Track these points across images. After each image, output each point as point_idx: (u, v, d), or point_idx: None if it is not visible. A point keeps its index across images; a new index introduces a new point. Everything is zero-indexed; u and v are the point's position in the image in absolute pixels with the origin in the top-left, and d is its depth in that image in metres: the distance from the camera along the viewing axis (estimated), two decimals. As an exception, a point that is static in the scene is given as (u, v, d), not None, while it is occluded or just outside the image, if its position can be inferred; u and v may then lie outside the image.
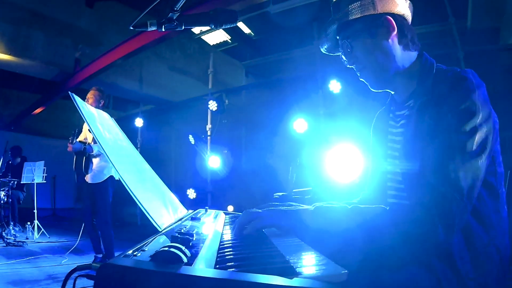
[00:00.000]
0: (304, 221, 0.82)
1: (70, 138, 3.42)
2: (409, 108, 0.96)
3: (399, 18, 0.96)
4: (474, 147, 0.77)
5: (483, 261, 0.81)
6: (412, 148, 0.88)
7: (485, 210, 0.83)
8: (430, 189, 0.77)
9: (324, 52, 1.10)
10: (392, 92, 1.04)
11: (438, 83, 0.87)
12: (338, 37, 1.02)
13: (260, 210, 0.88)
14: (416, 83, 0.94)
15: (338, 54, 1.08)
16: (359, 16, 0.93)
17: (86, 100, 3.53)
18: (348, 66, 1.03)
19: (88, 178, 3.51)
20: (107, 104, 3.70)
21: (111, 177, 3.53)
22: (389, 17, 0.93)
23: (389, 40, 0.94)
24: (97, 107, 3.53)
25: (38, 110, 7.66)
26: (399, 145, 0.97)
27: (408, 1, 0.98)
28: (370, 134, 1.18)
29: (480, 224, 0.83)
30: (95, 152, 3.41)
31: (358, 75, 1.02)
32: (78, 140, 3.44)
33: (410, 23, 0.99)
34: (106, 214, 3.47)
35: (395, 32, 0.94)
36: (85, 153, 3.46)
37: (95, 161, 3.49)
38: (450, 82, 0.83)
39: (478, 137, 0.78)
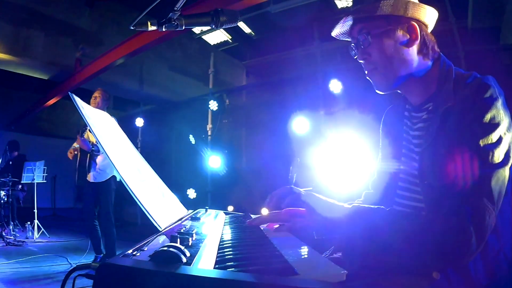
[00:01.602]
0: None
1: (80, 131, 3.41)
2: (428, 111, 0.93)
3: (424, 27, 0.94)
4: (502, 157, 0.77)
5: (494, 267, 0.81)
6: (433, 153, 0.85)
7: (499, 218, 0.82)
8: (461, 199, 0.75)
9: (332, 35, 1.04)
10: (399, 92, 1.02)
11: (459, 88, 0.85)
12: (354, 27, 0.97)
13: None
14: (435, 87, 0.92)
15: (345, 39, 1.04)
16: (387, 13, 0.90)
17: (94, 99, 3.54)
18: (358, 60, 0.99)
19: (90, 177, 3.51)
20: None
21: (114, 176, 3.53)
22: (415, 25, 0.91)
23: (410, 48, 0.92)
24: (106, 106, 3.56)
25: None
26: (417, 148, 0.95)
27: (436, 12, 0.96)
28: (380, 131, 1.15)
29: (493, 232, 0.81)
30: (101, 152, 3.42)
31: (366, 72, 0.98)
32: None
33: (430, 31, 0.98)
34: (110, 212, 3.47)
35: (418, 41, 0.92)
36: (89, 152, 3.46)
37: (99, 160, 3.50)
38: (474, 89, 0.81)
39: (504, 147, 0.78)
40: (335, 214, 0.86)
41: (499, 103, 0.80)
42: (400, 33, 0.91)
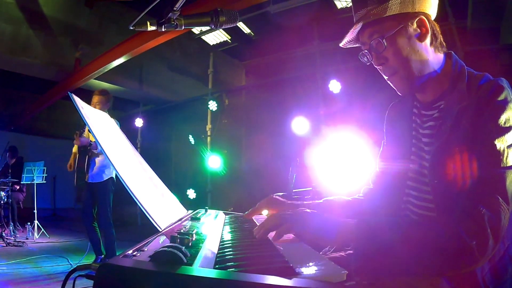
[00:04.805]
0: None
1: (79, 132, 3.42)
2: (439, 109, 0.92)
3: (430, 18, 0.93)
4: None
5: (499, 269, 0.81)
6: (446, 152, 0.84)
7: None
8: (474, 199, 0.74)
9: (341, 46, 1.02)
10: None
11: (472, 89, 0.85)
12: (363, 33, 0.94)
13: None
14: (448, 85, 0.91)
15: (352, 46, 1.02)
16: (397, 12, 0.88)
17: (92, 105, 3.51)
18: (374, 65, 0.96)
19: (88, 178, 3.51)
20: None
21: (111, 178, 3.53)
22: (424, 18, 0.90)
23: (423, 43, 0.90)
24: (107, 108, 3.53)
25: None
26: (427, 146, 0.94)
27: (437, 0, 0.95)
28: (384, 127, 1.14)
29: None
30: (99, 149, 3.42)
31: (386, 77, 0.96)
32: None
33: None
34: (108, 214, 3.47)
35: (429, 34, 0.90)
36: (88, 152, 3.46)
37: (97, 161, 3.50)
38: (488, 91, 0.81)
39: None
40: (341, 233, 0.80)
41: None
42: (411, 30, 0.89)
